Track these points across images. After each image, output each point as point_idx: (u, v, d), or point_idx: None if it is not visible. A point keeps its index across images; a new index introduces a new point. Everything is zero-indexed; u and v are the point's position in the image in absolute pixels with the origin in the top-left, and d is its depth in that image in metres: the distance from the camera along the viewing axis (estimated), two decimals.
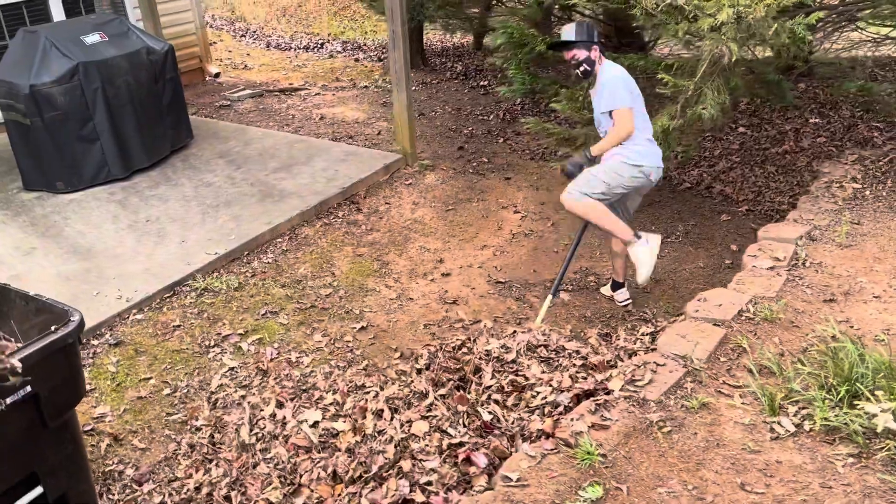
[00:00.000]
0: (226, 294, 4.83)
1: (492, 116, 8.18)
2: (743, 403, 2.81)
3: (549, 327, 3.62)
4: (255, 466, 2.98)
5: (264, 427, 3.14)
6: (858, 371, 2.72)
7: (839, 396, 2.66)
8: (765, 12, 4.06)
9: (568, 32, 4.17)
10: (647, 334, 3.73)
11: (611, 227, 4.20)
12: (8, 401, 2.48)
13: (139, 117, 6.31)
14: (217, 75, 9.71)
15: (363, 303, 4.84)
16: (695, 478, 2.49)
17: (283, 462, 2.90)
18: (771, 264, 3.75)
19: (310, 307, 4.76)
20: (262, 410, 3.30)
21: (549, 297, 4.36)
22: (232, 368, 4.17)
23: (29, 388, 2.53)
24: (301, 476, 2.83)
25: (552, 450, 2.63)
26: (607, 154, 4.18)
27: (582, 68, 4.16)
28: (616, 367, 3.08)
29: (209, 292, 4.84)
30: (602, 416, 2.77)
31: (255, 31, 14.10)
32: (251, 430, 3.15)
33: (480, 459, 2.70)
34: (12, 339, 2.91)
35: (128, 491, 3.32)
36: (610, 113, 4.12)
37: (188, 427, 3.70)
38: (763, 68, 5.23)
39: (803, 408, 2.72)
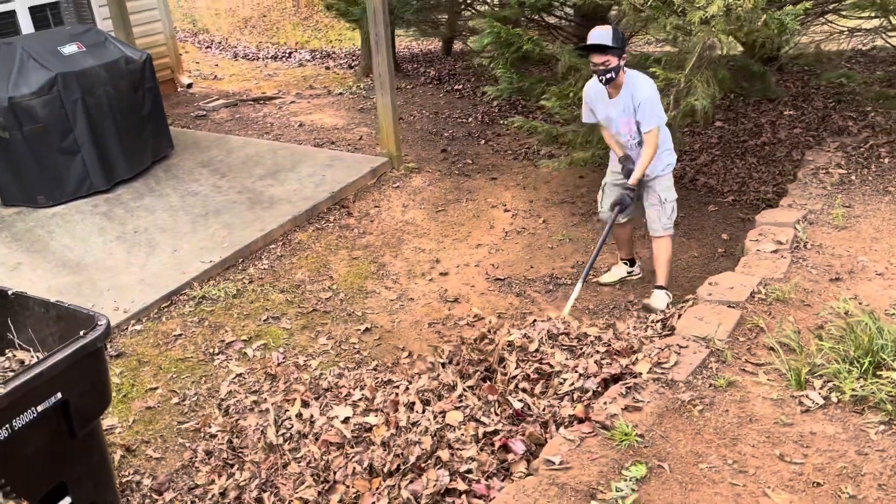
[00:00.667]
0: (225, 301, 4.77)
1: (470, 119, 8.22)
2: (769, 380, 2.88)
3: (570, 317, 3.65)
4: (285, 466, 2.95)
5: (291, 427, 3.11)
6: (879, 343, 2.80)
7: (863, 368, 2.73)
8: (753, 3, 4.18)
9: (604, 36, 3.99)
10: (657, 321, 3.78)
11: (669, 262, 4.48)
12: (40, 408, 2.42)
13: (120, 128, 6.20)
14: (190, 86, 9.59)
15: (364, 305, 4.82)
16: (733, 452, 2.53)
17: (315, 460, 2.87)
18: (774, 247, 3.84)
19: (311, 311, 4.72)
20: (286, 411, 3.26)
21: (579, 284, 4.34)
22: (240, 374, 4.12)
23: (59, 395, 2.48)
24: (335, 473, 2.81)
25: (590, 433, 2.66)
26: (650, 169, 4.30)
27: (609, 75, 4.03)
28: (639, 351, 3.12)
29: (208, 300, 4.77)
30: (634, 398, 2.81)
31: (219, 43, 13.98)
32: (278, 431, 3.11)
33: (518, 446, 2.71)
34: (30, 349, 2.84)
35: (148, 501, 3.26)
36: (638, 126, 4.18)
37: (202, 434, 3.64)
38: (745, 61, 5.36)
39: (828, 381, 2.79)
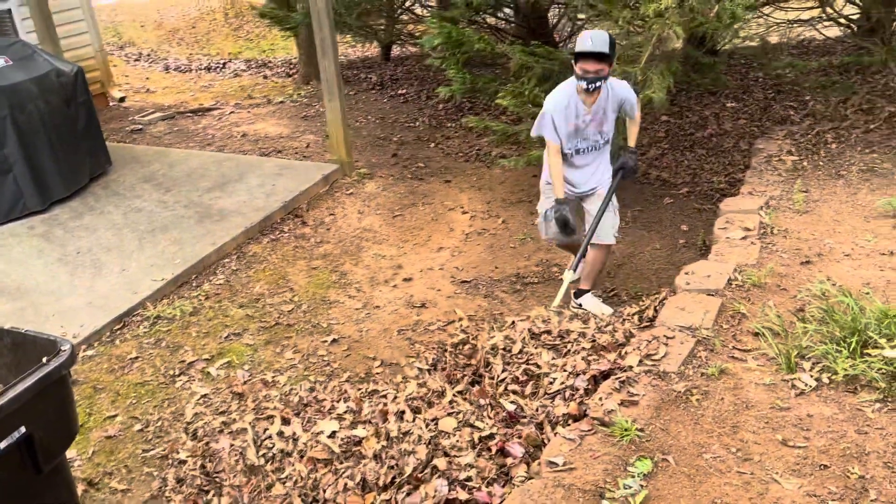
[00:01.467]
0: (181, 320, 4.55)
1: (418, 123, 8.13)
2: (759, 365, 2.87)
3: (548, 314, 3.58)
4: (269, 488, 2.79)
5: (273, 446, 2.94)
6: (863, 322, 2.82)
7: (851, 347, 2.75)
8: None
9: (604, 42, 3.72)
10: (633, 314, 3.76)
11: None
12: (1, 445, 2.21)
13: (54, 144, 5.88)
14: (122, 99, 9.23)
15: (329, 315, 4.67)
16: (735, 440, 2.50)
17: (302, 479, 2.72)
18: (743, 234, 3.87)
19: (274, 325, 4.54)
20: (266, 430, 3.10)
21: (569, 272, 4.18)
22: (204, 395, 3.91)
23: (23, 429, 2.27)
24: (324, 490, 2.66)
25: (589, 430, 2.59)
26: (602, 178, 4.24)
27: (600, 83, 3.82)
28: (625, 345, 3.08)
29: (163, 320, 4.54)
30: (628, 392, 2.75)
31: (148, 55, 13.54)
32: (258, 452, 2.94)
33: (516, 449, 2.63)
34: None
35: None
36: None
37: (170, 461, 3.43)
38: (695, 53, 5.42)
39: (817, 362, 2.79)
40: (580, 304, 4.25)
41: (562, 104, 3.96)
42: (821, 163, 4.93)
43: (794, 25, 6.53)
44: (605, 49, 3.69)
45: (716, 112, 7.10)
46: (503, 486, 2.53)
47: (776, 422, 2.55)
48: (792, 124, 6.08)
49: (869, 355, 2.70)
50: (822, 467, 2.32)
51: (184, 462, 3.37)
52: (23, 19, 7.64)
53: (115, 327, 4.46)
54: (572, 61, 3.85)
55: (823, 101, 6.36)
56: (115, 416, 3.80)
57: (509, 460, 2.61)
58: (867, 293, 3.21)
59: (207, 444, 3.45)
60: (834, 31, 7.36)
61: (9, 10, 7.77)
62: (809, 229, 3.96)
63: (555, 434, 2.63)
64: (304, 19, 7.82)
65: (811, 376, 2.72)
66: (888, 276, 3.36)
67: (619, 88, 4.02)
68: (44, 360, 2.33)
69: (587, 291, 4.30)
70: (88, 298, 4.66)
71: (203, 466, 3.24)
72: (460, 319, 4.36)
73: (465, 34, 5.41)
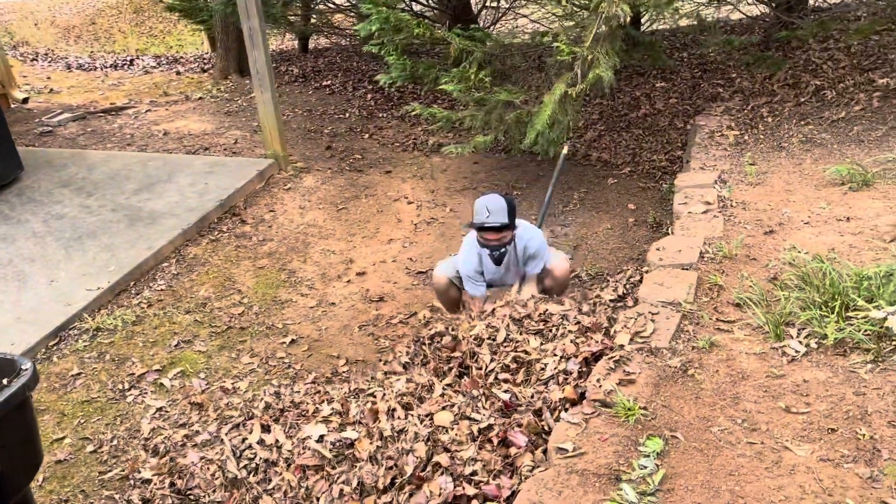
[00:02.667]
0: (124, 330, 4.24)
1: (348, 114, 7.92)
2: (745, 335, 2.87)
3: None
4: (256, 501, 2.60)
5: (255, 456, 2.75)
6: (842, 285, 2.86)
7: (836, 311, 2.78)
8: None
9: (502, 212, 3.51)
10: (608, 298, 3.73)
11: None
12: None
13: None
14: (25, 101, 8.60)
15: (283, 315, 4.46)
16: (738, 411, 2.49)
17: (292, 488, 2.54)
18: (704, 208, 3.90)
19: (226, 329, 4.30)
20: (244, 439, 2.89)
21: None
22: (160, 408, 3.66)
23: None
24: (318, 499, 2.50)
25: (592, 413, 2.53)
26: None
27: (504, 250, 3.64)
28: (613, 324, 3.03)
29: (104, 331, 4.22)
30: (624, 371, 2.71)
31: (45, 55, 12.71)
32: (239, 463, 2.74)
33: (519, 438, 2.54)
34: None
35: None
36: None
37: (132, 482, 3.18)
38: (635, 32, 5.46)
39: (803, 328, 2.82)
40: None
41: (473, 264, 3.82)
42: (760, 136, 5.05)
43: (721, 4, 6.68)
44: (504, 219, 3.49)
45: (646, 92, 7.21)
46: (510, 478, 2.44)
47: (774, 390, 2.56)
48: (723, 101, 6.22)
49: (852, 317, 2.74)
50: (829, 431, 2.32)
51: (148, 481, 3.12)
52: None
53: (51, 343, 4.12)
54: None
55: (749, 78, 6.54)
56: (63, 438, 3.50)
57: (513, 450, 2.52)
58: (833, 258, 3.27)
59: (173, 459, 3.22)
60: (753, 10, 7.59)
61: None
62: (765, 200, 4.03)
63: (556, 420, 2.55)
64: (224, 8, 7.47)
65: (800, 342, 2.75)
66: (849, 240, 3.45)
67: (529, 239, 3.74)
68: (4, 381, 2.07)
69: None
70: (16, 314, 4.29)
71: (173, 484, 3.01)
72: (420, 312, 4.25)
73: (404, 19, 5.26)
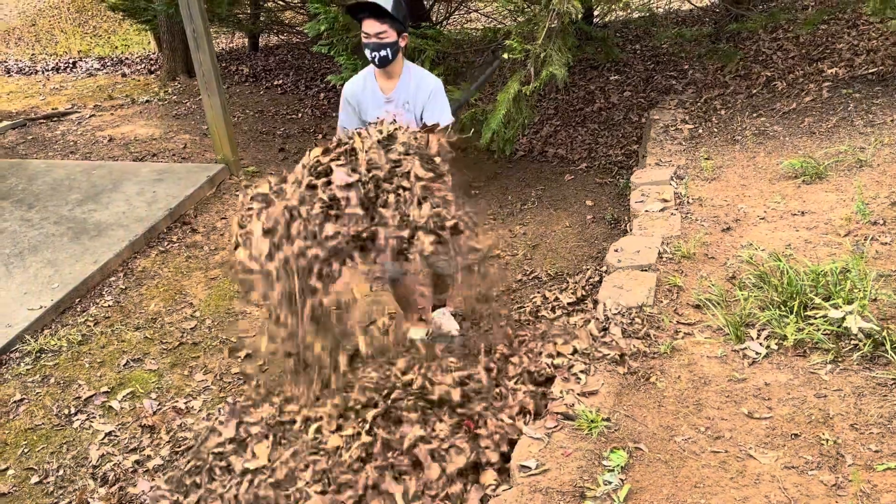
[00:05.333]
0: (70, 351, 4.07)
1: (300, 114, 7.77)
2: (706, 338, 2.85)
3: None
4: None
5: (258, 484, 2.62)
6: (799, 284, 2.85)
7: (794, 310, 2.77)
8: None
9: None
10: (569, 301, 3.69)
11: None
12: None
13: None
14: None
15: (237, 329, 4.33)
16: (701, 419, 2.45)
17: None
18: (661, 206, 3.87)
19: (178, 345, 4.15)
20: (247, 460, 2.75)
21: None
22: (109, 433, 3.51)
23: None
24: None
25: (555, 427, 2.47)
26: None
27: (384, 52, 3.08)
28: (575, 334, 2.98)
29: (47, 353, 4.05)
30: (587, 381, 2.66)
31: None
32: (248, 488, 2.61)
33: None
34: None
35: None
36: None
37: None
38: (586, 27, 5.42)
39: (762, 329, 2.80)
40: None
41: (355, 85, 3.35)
42: (714, 129, 5.06)
43: None
44: (383, 3, 2.98)
45: (601, 86, 7.20)
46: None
47: (736, 394, 2.53)
48: (676, 94, 6.23)
49: (811, 317, 2.73)
50: (792, 437, 2.30)
51: None
52: None
53: None
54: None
55: (702, 70, 6.57)
56: (6, 469, 3.33)
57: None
58: (790, 254, 3.27)
59: (122, 488, 3.09)
60: (703, 2, 7.63)
61: None
62: (721, 195, 4.02)
63: (519, 435, 2.49)
64: (167, 9, 7.24)
65: (760, 344, 2.73)
66: (804, 235, 3.45)
67: (426, 76, 3.29)
68: None
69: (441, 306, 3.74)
70: None
71: None
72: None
73: (351, 19, 5.12)
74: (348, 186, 2.62)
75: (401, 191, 2.63)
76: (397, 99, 3.25)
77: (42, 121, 7.97)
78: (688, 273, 3.29)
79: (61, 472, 3.31)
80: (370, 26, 3.05)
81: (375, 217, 2.62)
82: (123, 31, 14.02)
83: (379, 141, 2.74)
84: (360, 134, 2.79)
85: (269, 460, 2.68)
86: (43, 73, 10.76)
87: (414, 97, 3.25)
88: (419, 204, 2.61)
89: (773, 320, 2.78)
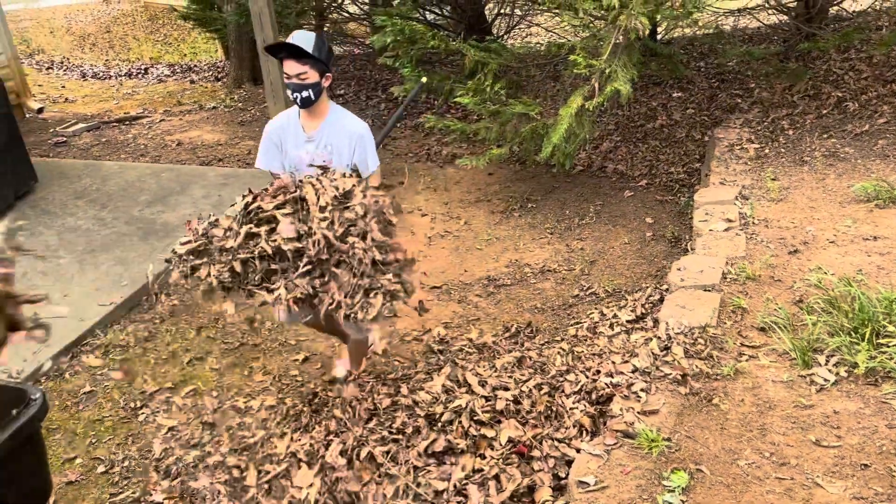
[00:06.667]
0: (136, 347, 4.21)
1: None
2: (771, 362, 2.79)
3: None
4: None
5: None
6: (872, 311, 2.78)
7: (866, 338, 2.70)
8: None
9: (304, 39, 2.96)
10: (628, 320, 3.66)
11: None
12: None
13: None
14: (41, 111, 8.63)
15: (296, 332, 4.41)
16: (766, 444, 2.41)
17: None
18: (726, 226, 3.82)
19: (238, 346, 4.25)
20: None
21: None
22: (172, 428, 3.61)
23: None
24: None
25: (614, 444, 2.45)
26: None
27: (305, 93, 2.97)
28: (636, 354, 2.96)
29: (116, 348, 4.19)
30: (647, 400, 2.63)
31: (61, 63, 12.79)
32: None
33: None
34: None
35: None
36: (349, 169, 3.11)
37: None
38: (652, 44, 5.39)
39: (832, 355, 2.74)
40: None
41: (277, 124, 3.25)
42: (782, 150, 4.96)
43: (741, 14, 6.59)
44: (309, 48, 2.91)
45: (663, 102, 7.12)
46: None
47: (803, 421, 2.48)
48: (741, 112, 6.13)
49: (884, 345, 2.66)
50: (862, 467, 2.24)
51: None
52: None
53: (63, 360, 4.09)
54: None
55: (769, 89, 6.44)
56: (75, 458, 3.46)
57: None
58: (861, 279, 3.18)
59: (184, 482, 3.17)
60: (771, 19, 7.50)
61: None
62: (788, 217, 3.94)
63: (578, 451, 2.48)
64: (238, 19, 7.45)
65: (829, 370, 2.66)
66: (877, 261, 3.36)
67: (352, 120, 3.16)
68: (13, 412, 2.03)
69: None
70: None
71: None
72: (435, 329, 4.19)
73: (419, 31, 5.21)
74: (297, 239, 2.53)
75: (355, 251, 2.54)
76: (319, 140, 3.13)
77: (115, 124, 8.27)
78: (753, 295, 3.23)
79: (126, 463, 3.41)
80: (290, 67, 2.96)
81: (326, 275, 2.53)
82: (192, 39, 14.47)
83: (336, 197, 2.62)
84: (312, 185, 2.66)
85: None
86: (116, 78, 11.18)
87: (337, 141, 3.12)
88: (373, 265, 2.56)
89: (843, 347, 2.71)
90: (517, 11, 9.15)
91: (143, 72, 11.37)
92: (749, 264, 3.44)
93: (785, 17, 7.25)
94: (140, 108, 8.99)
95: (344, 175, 2.81)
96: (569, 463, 2.49)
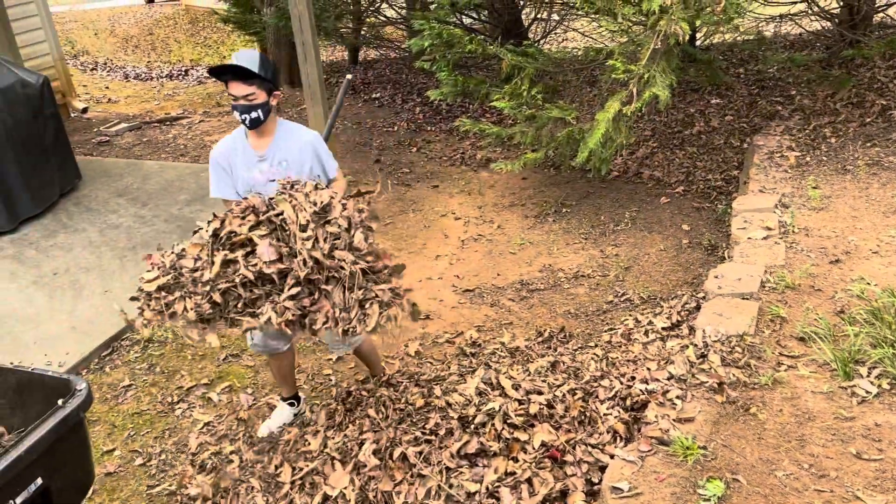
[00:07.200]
0: (175, 342, 4.28)
1: (396, 127, 7.93)
2: (811, 372, 2.75)
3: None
4: None
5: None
6: None
7: None
8: None
9: (249, 59, 2.82)
10: (663, 326, 3.63)
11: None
12: (18, 501, 1.97)
13: (21, 160, 5.53)
14: (85, 110, 8.83)
15: None
16: (804, 455, 2.37)
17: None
18: (765, 234, 3.77)
19: None
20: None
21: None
22: (207, 423, 3.67)
23: (39, 481, 2.03)
24: None
25: (649, 451, 2.44)
26: None
27: (254, 114, 2.84)
28: (672, 360, 2.93)
29: (155, 343, 4.27)
30: (682, 408, 2.61)
31: (104, 64, 13.07)
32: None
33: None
34: None
35: None
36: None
37: (178, 498, 3.19)
38: (691, 50, 5.34)
39: (874, 367, 2.69)
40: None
41: (224, 148, 3.06)
42: (823, 158, 4.88)
43: (783, 20, 6.50)
44: (254, 68, 2.79)
45: (701, 109, 7.05)
46: None
47: (844, 433, 2.43)
48: (781, 119, 6.04)
49: None
50: None
51: (195, 498, 3.13)
52: None
53: (104, 353, 4.18)
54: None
55: (810, 96, 6.35)
56: (113, 450, 3.53)
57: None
58: None
59: (219, 477, 3.22)
60: (814, 25, 7.38)
61: None
62: (830, 226, 3.88)
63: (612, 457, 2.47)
64: (278, 22, 7.55)
65: (871, 382, 2.61)
66: None
67: (303, 131, 3.07)
68: (59, 402, 2.08)
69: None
70: (71, 323, 4.36)
71: None
72: (468, 332, 4.19)
73: (456, 35, 5.23)
74: (279, 260, 2.44)
75: (345, 266, 2.47)
76: (272, 157, 3.00)
77: (156, 124, 8.43)
78: (792, 304, 3.19)
79: (163, 456, 3.48)
80: (237, 89, 2.82)
81: (315, 293, 2.47)
82: (231, 42, 14.68)
83: (315, 212, 2.53)
84: (288, 202, 2.56)
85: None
86: (158, 79, 11.39)
87: (290, 155, 3.00)
88: (363, 276, 2.51)
89: (886, 359, 2.66)
90: (554, 16, 9.14)
91: (183, 73, 11.57)
92: (788, 273, 3.39)
93: (828, 24, 7.14)
94: (180, 109, 9.15)
95: (316, 187, 2.68)
96: (602, 468, 2.48)
